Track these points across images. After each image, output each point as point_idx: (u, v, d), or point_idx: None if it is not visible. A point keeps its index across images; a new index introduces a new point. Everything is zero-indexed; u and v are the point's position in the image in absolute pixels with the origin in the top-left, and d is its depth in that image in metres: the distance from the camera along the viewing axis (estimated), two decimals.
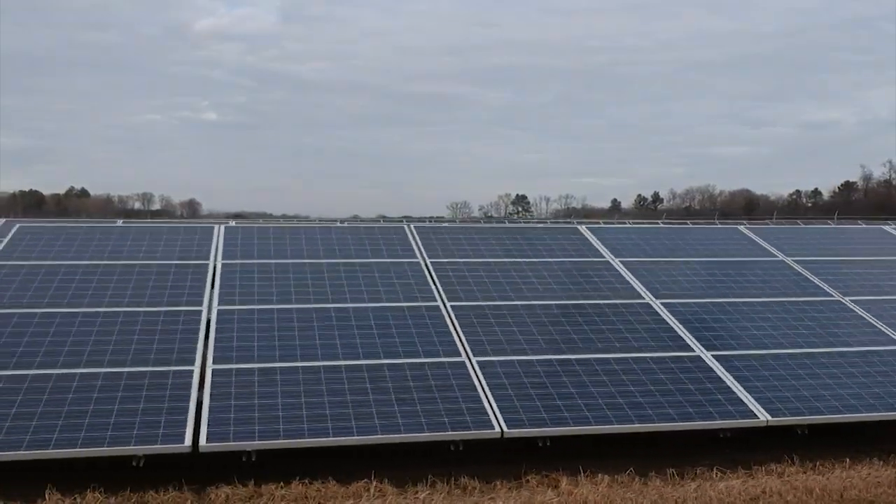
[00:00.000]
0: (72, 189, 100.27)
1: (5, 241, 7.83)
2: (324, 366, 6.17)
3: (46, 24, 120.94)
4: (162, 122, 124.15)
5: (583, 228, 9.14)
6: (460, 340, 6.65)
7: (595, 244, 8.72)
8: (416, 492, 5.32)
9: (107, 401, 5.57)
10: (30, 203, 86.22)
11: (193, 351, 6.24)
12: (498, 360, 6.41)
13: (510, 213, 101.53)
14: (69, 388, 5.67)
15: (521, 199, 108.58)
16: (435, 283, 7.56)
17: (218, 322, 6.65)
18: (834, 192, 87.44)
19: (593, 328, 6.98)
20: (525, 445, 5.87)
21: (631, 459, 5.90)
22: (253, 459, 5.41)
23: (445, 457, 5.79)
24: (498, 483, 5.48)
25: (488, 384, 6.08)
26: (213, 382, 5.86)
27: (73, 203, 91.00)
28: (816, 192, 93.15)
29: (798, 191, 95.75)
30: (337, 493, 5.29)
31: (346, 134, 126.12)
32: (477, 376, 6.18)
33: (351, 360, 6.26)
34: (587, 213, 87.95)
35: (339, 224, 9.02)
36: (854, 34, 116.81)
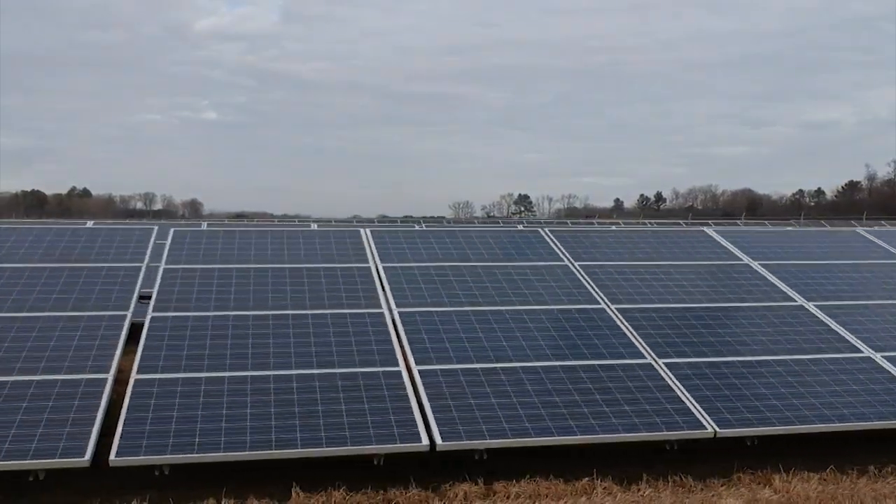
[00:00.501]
0: (73, 189, 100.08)
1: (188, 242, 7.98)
2: (521, 367, 6.36)
3: (47, 24, 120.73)
4: (162, 121, 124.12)
5: (710, 231, 9.34)
6: (639, 343, 6.84)
7: (729, 247, 8.91)
8: (640, 489, 5.53)
9: (331, 401, 5.74)
10: (31, 203, 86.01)
11: (392, 352, 6.41)
12: (686, 363, 6.61)
13: (513, 213, 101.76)
14: (292, 389, 5.84)
15: (523, 199, 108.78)
16: (591, 287, 7.75)
17: (404, 323, 6.82)
18: (838, 191, 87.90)
19: (747, 330, 7.20)
20: (733, 445, 6.05)
21: (826, 459, 6.09)
22: (485, 458, 5.59)
23: (649, 457, 6.00)
24: (713, 481, 5.68)
25: (684, 385, 6.28)
26: (425, 383, 6.03)
27: (76, 203, 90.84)
28: (819, 192, 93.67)
29: (801, 190, 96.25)
30: (565, 490, 5.47)
31: (346, 134, 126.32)
32: (670, 377, 6.37)
33: (546, 362, 6.44)
34: (589, 213, 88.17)
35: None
36: (854, 34, 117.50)
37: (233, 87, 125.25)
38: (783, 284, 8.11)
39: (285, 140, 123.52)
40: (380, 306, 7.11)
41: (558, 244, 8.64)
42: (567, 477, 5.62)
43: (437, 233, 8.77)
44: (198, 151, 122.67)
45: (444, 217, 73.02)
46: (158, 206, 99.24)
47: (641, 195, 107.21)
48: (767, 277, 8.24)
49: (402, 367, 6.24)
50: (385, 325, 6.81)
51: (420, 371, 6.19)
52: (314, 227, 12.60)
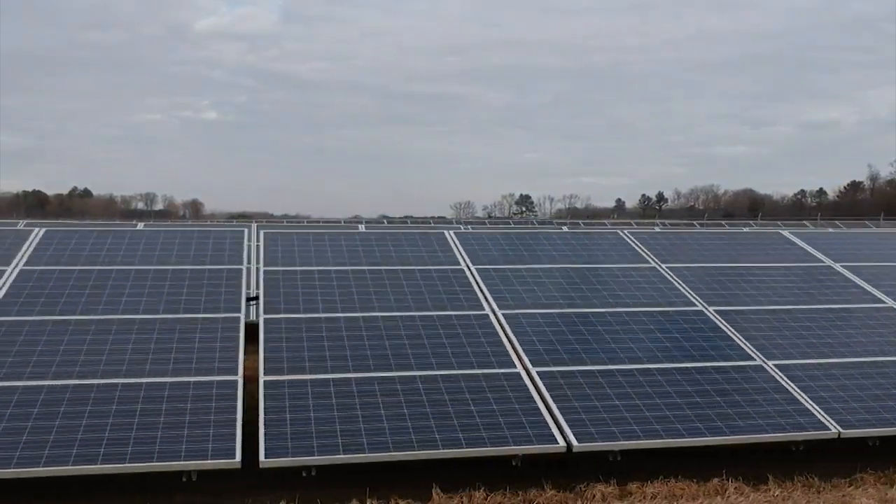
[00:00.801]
0: (75, 189, 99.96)
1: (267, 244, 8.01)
2: (636, 368, 6.43)
3: (47, 24, 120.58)
4: (162, 121, 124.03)
5: (786, 233, 9.42)
6: (745, 345, 6.91)
7: (810, 249, 8.98)
8: (769, 489, 5.59)
9: (460, 402, 5.80)
10: (33, 203, 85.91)
11: (507, 353, 6.48)
12: (796, 364, 6.68)
13: (514, 213, 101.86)
14: (418, 390, 5.89)
15: (524, 199, 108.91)
16: (685, 289, 7.81)
17: (511, 326, 6.88)
18: (840, 191, 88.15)
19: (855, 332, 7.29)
20: (856, 445, 6.12)
21: None
22: (618, 458, 5.65)
23: (775, 457, 6.08)
24: (839, 481, 5.76)
25: (799, 387, 6.35)
26: (547, 384, 6.09)
27: (77, 203, 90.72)
28: (822, 192, 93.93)
29: (803, 191, 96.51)
30: (698, 491, 5.54)
31: (347, 133, 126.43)
32: (784, 379, 6.44)
33: (659, 364, 6.51)
34: (591, 214, 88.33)
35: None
36: (854, 34, 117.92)
37: (233, 87, 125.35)
38: (868, 285, 8.18)
39: (286, 140, 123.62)
40: (482, 308, 7.16)
41: (641, 246, 8.70)
42: (697, 478, 5.68)
43: (521, 234, 8.84)
44: (198, 151, 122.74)
45: (444, 217, 73.09)
46: (159, 206, 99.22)
47: (643, 195, 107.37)
48: (852, 279, 8.31)
49: (519, 369, 6.30)
50: (492, 326, 6.88)
51: (539, 373, 6.25)
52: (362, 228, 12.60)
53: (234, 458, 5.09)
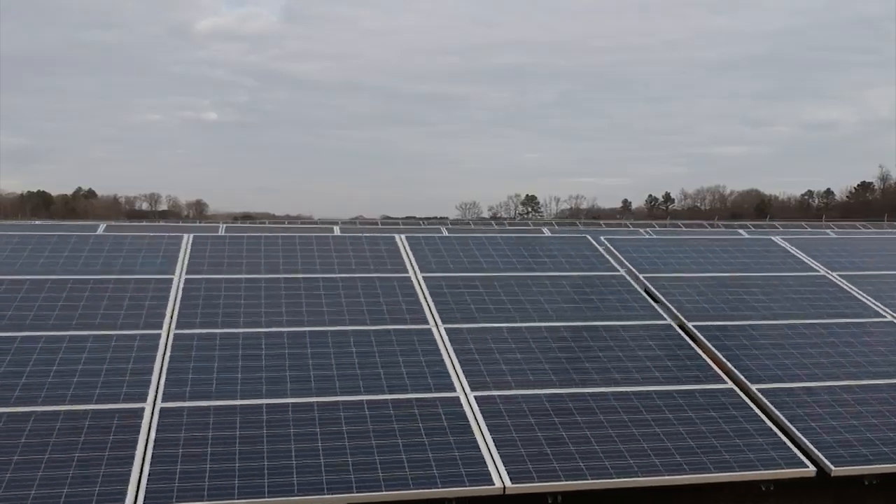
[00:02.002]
0: (79, 190, 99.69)
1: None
2: (590, 392, 5.67)
3: (48, 24, 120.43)
4: (163, 121, 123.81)
5: (778, 239, 8.63)
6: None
7: (803, 257, 8.21)
8: None
9: (385, 434, 5.06)
10: (37, 204, 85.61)
11: (446, 374, 5.73)
12: (783, 389, 5.92)
13: (520, 214, 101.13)
14: (339, 420, 5.15)
15: (530, 200, 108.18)
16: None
17: (454, 342, 6.14)
18: (850, 192, 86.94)
19: None
20: (851, 484, 5.35)
21: None
22: (560, 501, 4.90)
23: (753, 496, 5.32)
24: None
25: (787, 416, 5.58)
26: (485, 412, 5.34)
27: (81, 204, 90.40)
28: (829, 193, 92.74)
29: (810, 191, 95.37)
30: None
31: (348, 133, 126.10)
32: (766, 407, 5.68)
33: (610, 388, 5.75)
34: (596, 214, 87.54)
35: None
36: (854, 34, 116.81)
37: (234, 86, 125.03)
38: (866, 297, 7.40)
39: (287, 140, 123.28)
40: (426, 322, 6.42)
41: (617, 254, 7.94)
42: None
43: (477, 239, 8.09)
44: (199, 152, 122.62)
45: (447, 218, 72.38)
46: (164, 206, 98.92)
47: (650, 196, 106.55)
48: (849, 290, 7.54)
49: (459, 393, 5.55)
50: (434, 342, 6.14)
51: (477, 397, 5.50)
52: (337, 230, 11.87)
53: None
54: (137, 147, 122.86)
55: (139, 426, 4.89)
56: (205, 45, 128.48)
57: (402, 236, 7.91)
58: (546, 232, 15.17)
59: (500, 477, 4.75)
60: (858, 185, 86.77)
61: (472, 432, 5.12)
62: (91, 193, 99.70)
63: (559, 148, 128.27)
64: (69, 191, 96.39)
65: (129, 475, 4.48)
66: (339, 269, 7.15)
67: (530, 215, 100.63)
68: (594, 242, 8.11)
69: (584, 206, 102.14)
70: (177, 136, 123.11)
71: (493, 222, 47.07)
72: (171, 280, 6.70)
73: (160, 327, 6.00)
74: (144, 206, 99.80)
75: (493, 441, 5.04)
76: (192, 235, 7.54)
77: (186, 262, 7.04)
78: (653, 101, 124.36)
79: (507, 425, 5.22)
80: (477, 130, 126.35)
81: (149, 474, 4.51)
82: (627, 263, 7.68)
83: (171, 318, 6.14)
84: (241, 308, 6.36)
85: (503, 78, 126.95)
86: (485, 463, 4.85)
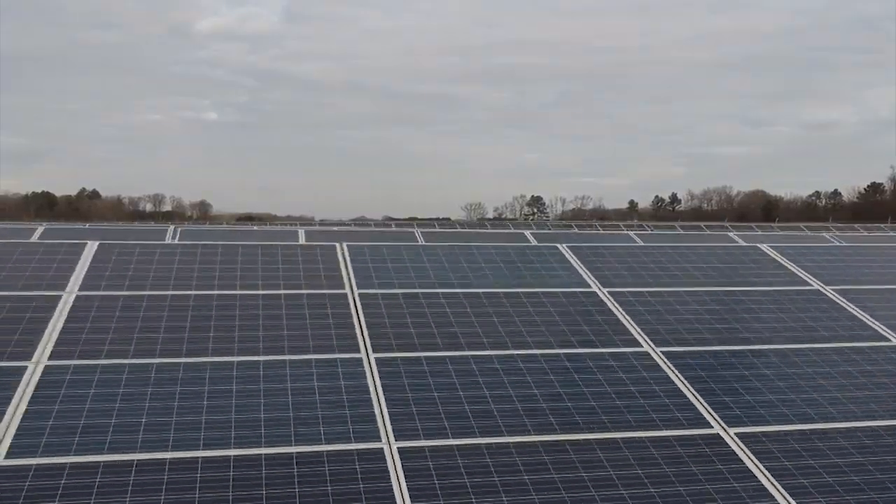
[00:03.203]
0: (83, 191, 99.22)
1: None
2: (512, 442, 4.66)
3: (48, 24, 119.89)
4: (163, 121, 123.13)
5: (765, 248, 7.60)
6: (697, 401, 5.13)
7: (794, 269, 7.18)
8: None
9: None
10: (42, 204, 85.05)
11: (373, 419, 4.73)
12: (767, 433, 4.89)
13: (526, 215, 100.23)
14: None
15: (536, 201, 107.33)
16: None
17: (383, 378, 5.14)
18: (859, 193, 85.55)
19: None
20: None
21: None
22: None
23: None
24: None
25: (771, 470, 4.56)
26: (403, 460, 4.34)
27: (85, 204, 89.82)
28: (836, 194, 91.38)
29: (818, 192, 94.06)
30: None
31: (348, 134, 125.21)
32: (746, 457, 4.66)
33: (513, 438, 4.74)
34: (602, 215, 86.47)
35: None
36: (855, 34, 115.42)
37: (234, 86, 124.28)
38: (866, 316, 6.37)
39: (287, 140, 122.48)
40: (358, 350, 5.42)
41: (581, 265, 6.92)
42: None
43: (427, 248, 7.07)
44: (200, 152, 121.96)
45: (449, 219, 71.34)
46: (168, 207, 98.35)
47: (656, 196, 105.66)
48: (847, 308, 6.50)
49: (381, 440, 4.55)
50: (364, 375, 5.13)
51: (401, 449, 4.49)
52: (302, 236, 10.86)
53: None
54: (138, 147, 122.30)
55: None
56: (205, 45, 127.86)
57: (345, 245, 6.91)
58: (528, 235, 14.15)
59: None
60: (868, 186, 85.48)
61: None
62: (95, 194, 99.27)
63: (560, 148, 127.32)
64: (69, 191, 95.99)
65: None
66: (262, 285, 6.15)
67: (536, 216, 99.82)
68: (566, 253, 7.08)
69: (590, 206, 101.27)
70: (177, 137, 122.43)
71: (487, 223, 45.96)
72: (58, 297, 5.71)
73: (29, 358, 5.01)
74: (148, 206, 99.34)
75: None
76: (97, 244, 6.54)
77: (83, 276, 6.05)
78: (653, 101, 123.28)
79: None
80: (477, 130, 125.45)
81: None
82: (594, 277, 6.65)
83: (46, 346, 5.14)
84: (135, 333, 5.37)
85: (503, 78, 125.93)
86: None
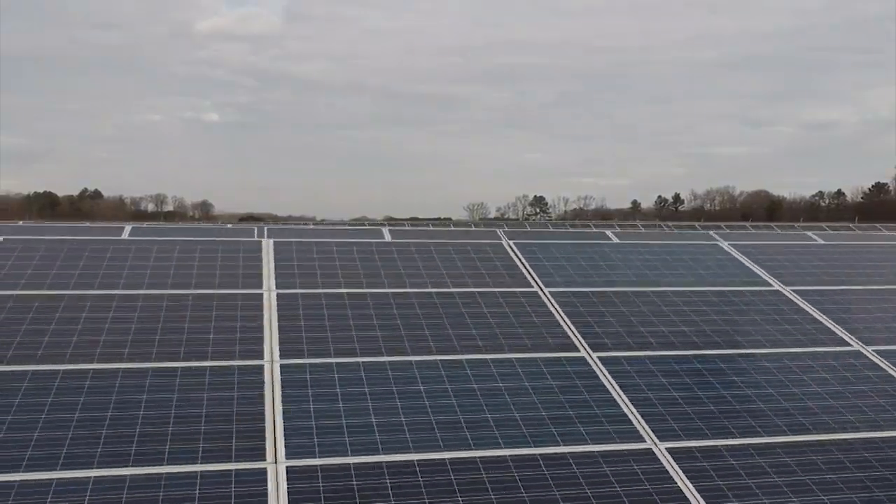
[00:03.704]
0: (85, 191, 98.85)
1: None
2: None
3: (48, 24, 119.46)
4: (164, 122, 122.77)
5: (725, 245, 7.24)
6: (634, 418, 5.08)
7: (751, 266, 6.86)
8: None
9: None
10: (43, 205, 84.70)
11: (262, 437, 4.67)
12: (703, 449, 4.84)
13: (528, 215, 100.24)
14: None
15: (538, 201, 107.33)
16: None
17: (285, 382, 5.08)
18: (864, 193, 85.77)
19: None
20: None
21: None
22: None
23: None
24: None
25: None
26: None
27: (87, 204, 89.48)
28: (840, 193, 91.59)
29: (821, 192, 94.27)
30: None
31: (349, 134, 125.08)
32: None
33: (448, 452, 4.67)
34: (605, 215, 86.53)
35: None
36: (855, 34, 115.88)
37: (235, 87, 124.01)
38: (827, 319, 5.99)
39: (288, 140, 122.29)
40: (262, 357, 5.35)
41: (524, 261, 6.87)
42: None
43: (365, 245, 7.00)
44: (200, 152, 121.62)
45: (449, 219, 71.29)
46: (170, 207, 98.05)
47: (659, 196, 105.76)
48: (807, 310, 6.14)
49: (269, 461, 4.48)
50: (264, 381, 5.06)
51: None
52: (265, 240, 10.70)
53: None
54: (138, 147, 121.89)
55: None
56: (205, 45, 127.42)
57: (271, 241, 6.45)
58: (500, 234, 13.95)
59: None
60: (873, 186, 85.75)
61: None
62: (97, 194, 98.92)
63: (560, 148, 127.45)
64: (70, 191, 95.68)
65: None
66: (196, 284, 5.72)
67: (538, 216, 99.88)
68: (508, 248, 6.73)
69: (593, 206, 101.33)
70: (178, 137, 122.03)
71: (477, 223, 45.86)
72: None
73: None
74: (150, 206, 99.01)
75: None
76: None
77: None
78: (653, 101, 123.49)
79: None
80: (478, 130, 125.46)
81: None
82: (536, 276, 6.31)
83: None
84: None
85: (503, 78, 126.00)
86: None
